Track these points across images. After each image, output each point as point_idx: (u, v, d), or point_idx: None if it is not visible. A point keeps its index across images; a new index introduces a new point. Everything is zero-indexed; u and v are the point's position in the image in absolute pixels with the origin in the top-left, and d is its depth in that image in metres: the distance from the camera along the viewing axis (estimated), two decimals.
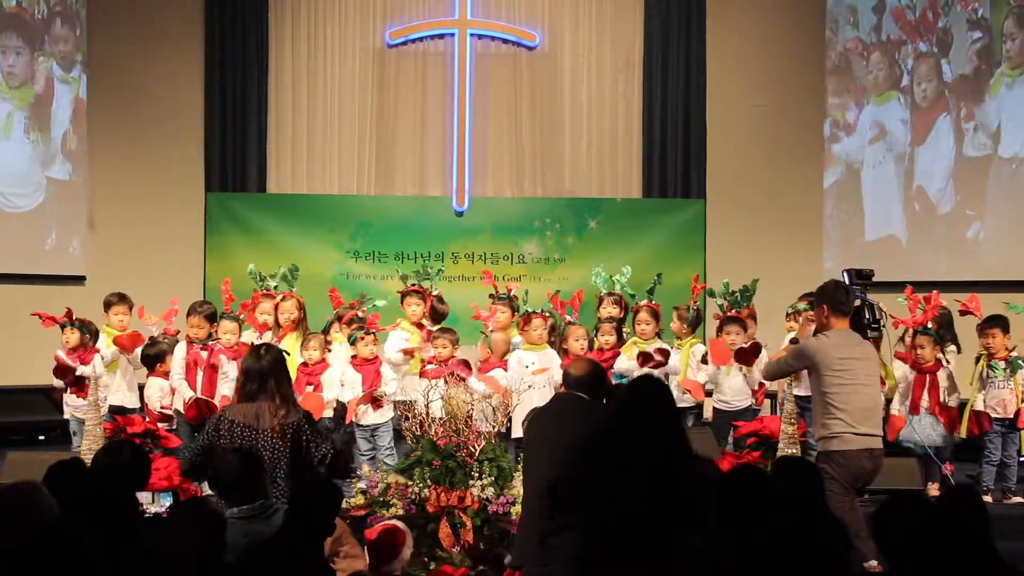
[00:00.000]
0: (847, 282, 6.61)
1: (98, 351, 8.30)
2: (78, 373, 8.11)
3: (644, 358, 8.11)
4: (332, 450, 5.66)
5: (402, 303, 8.93)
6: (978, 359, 8.23)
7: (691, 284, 9.05)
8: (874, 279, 6.88)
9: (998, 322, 8.04)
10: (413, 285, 8.96)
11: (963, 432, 8.00)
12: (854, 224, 11.94)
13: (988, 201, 11.01)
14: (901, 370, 8.05)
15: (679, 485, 4.30)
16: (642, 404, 4.71)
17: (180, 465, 5.55)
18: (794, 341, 6.79)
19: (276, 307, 8.58)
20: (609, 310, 8.68)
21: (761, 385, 8.50)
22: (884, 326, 6.61)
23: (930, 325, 7.99)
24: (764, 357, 8.13)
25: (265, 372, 5.52)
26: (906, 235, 11.58)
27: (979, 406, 8.03)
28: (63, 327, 8.29)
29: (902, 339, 8.32)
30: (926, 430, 7.86)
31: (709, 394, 8.71)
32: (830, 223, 12.11)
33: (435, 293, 9.10)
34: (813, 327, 6.45)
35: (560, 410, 5.42)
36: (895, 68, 11.64)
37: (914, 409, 7.93)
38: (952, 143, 11.22)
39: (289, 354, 7.78)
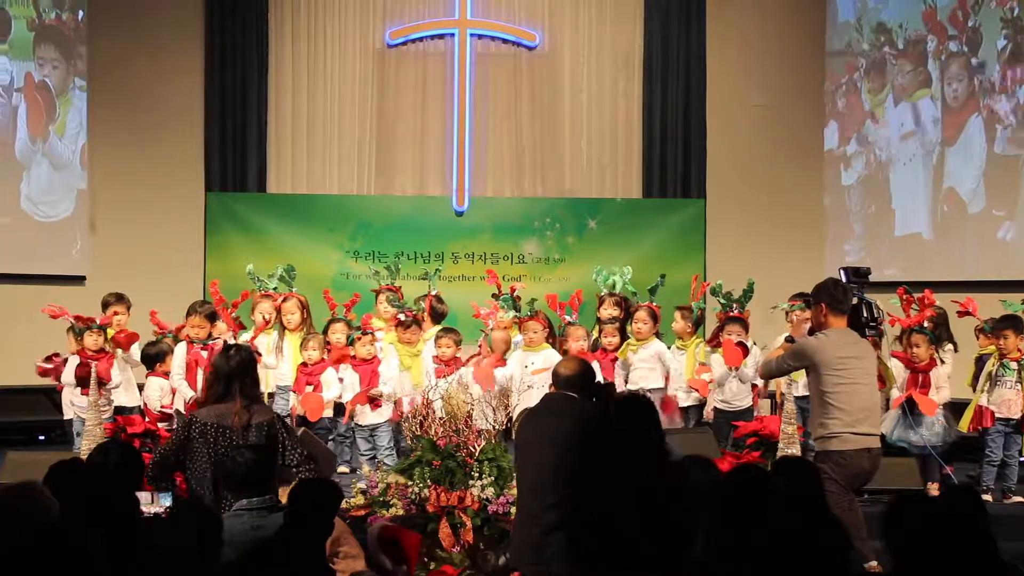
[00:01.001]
0: (844, 280, 6.58)
1: (114, 355, 8.30)
2: (110, 386, 8.06)
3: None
4: (306, 455, 5.62)
5: (376, 301, 9.07)
6: (978, 359, 8.21)
7: (691, 284, 9.05)
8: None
9: (1011, 323, 8.01)
10: (387, 284, 9.07)
11: (963, 426, 7.98)
12: (881, 223, 11.83)
13: (1020, 202, 10.83)
14: (896, 369, 8.03)
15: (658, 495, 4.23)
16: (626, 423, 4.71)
17: (149, 467, 5.51)
18: (790, 339, 6.75)
19: (278, 308, 8.62)
20: (610, 311, 8.66)
21: (754, 385, 8.50)
22: (882, 325, 6.58)
23: (926, 324, 7.98)
24: (757, 356, 8.13)
25: (232, 374, 5.53)
26: (934, 235, 11.45)
27: (983, 402, 8.02)
28: (83, 330, 8.25)
29: (899, 339, 8.31)
30: (923, 430, 7.85)
31: None
32: (855, 219, 12.02)
33: (434, 293, 9.12)
34: (807, 326, 6.42)
35: (551, 410, 5.43)
36: (924, 68, 11.53)
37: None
38: (983, 143, 11.08)
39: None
